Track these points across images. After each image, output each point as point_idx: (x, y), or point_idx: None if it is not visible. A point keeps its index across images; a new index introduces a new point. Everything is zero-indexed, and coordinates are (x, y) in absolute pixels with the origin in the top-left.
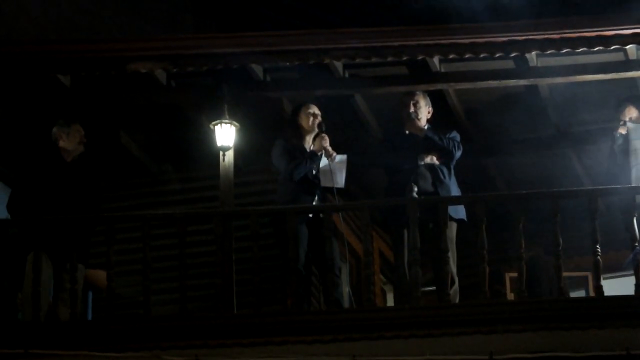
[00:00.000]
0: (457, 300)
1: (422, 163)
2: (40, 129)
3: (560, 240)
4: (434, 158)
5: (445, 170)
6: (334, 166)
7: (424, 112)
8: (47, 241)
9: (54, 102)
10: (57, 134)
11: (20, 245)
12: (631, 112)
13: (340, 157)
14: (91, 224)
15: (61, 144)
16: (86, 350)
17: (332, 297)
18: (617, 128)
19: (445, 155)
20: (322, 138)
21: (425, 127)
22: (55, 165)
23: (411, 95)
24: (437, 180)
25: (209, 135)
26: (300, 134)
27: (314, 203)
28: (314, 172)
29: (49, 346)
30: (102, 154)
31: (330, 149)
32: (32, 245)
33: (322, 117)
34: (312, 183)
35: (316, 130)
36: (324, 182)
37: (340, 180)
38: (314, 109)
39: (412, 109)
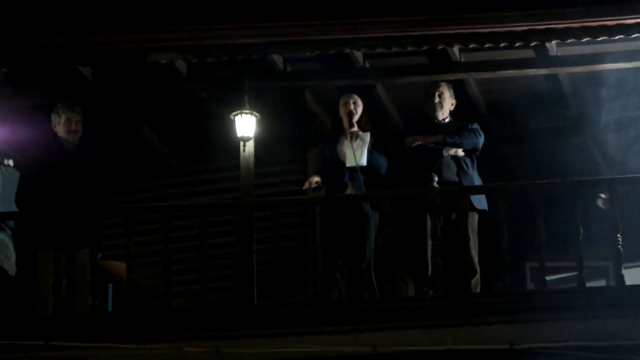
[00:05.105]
0: (478, 290)
1: (447, 154)
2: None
3: (581, 229)
4: (459, 150)
5: (468, 161)
6: (355, 145)
7: (448, 103)
8: (54, 233)
9: (76, 94)
10: (53, 121)
11: (30, 239)
12: None
13: (362, 135)
14: (99, 211)
15: (58, 131)
16: (106, 342)
17: (358, 289)
18: None
19: (469, 150)
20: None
21: (447, 120)
22: (55, 154)
23: (436, 86)
24: (461, 170)
25: (230, 126)
26: (337, 136)
27: (347, 190)
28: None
29: (69, 338)
30: (119, 143)
31: (355, 130)
32: (39, 239)
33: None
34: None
35: (347, 122)
36: (349, 163)
37: (362, 159)
38: (347, 98)
39: (436, 100)
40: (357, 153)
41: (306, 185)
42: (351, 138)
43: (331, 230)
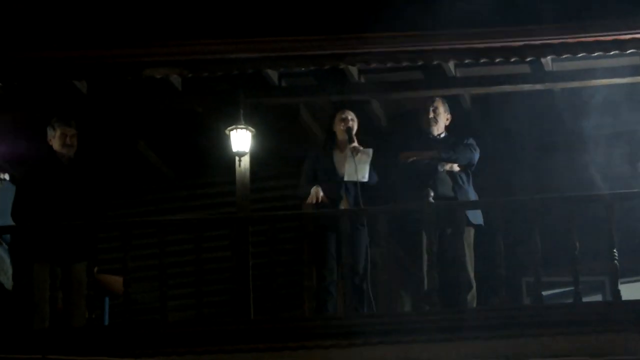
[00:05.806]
0: (474, 305)
1: (442, 169)
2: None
3: (577, 244)
4: (454, 166)
5: (464, 176)
6: (357, 160)
7: (443, 118)
8: (51, 247)
9: (71, 108)
10: (48, 135)
11: (26, 253)
12: None
13: (364, 150)
14: (95, 225)
15: (53, 145)
16: (103, 355)
17: (352, 304)
18: None
19: (464, 165)
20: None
21: (443, 135)
22: (50, 168)
23: (430, 101)
24: (457, 185)
25: (225, 141)
26: (332, 149)
27: (341, 205)
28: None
29: (66, 352)
30: (114, 157)
31: (357, 146)
32: (36, 253)
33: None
34: (336, 184)
35: (346, 137)
36: (348, 177)
37: (364, 174)
38: (346, 114)
39: (431, 115)
40: (359, 168)
41: (312, 199)
42: (352, 153)
43: (326, 244)
